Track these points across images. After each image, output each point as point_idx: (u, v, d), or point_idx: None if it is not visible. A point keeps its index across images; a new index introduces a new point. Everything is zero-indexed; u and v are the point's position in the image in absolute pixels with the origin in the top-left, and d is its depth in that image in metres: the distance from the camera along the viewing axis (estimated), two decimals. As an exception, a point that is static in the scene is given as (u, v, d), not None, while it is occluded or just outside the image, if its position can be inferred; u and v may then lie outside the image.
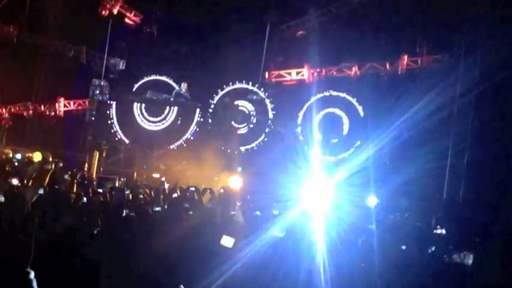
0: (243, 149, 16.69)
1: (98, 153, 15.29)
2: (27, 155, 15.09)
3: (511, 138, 14.09)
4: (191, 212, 8.76)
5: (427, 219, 13.39)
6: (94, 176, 13.62)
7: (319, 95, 16.49)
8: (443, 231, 11.42)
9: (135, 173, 15.53)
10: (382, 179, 14.91)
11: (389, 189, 14.59)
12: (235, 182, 11.56)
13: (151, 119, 17.74)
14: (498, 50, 14.19)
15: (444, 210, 13.81)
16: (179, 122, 17.42)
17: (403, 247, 9.25)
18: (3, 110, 17.97)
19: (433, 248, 9.16)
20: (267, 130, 16.70)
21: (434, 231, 11.73)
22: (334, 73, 16.81)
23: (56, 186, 9.87)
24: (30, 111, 18.03)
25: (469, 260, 8.16)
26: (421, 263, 8.32)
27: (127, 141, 17.59)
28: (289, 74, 17.15)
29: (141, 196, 10.89)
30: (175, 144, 17.32)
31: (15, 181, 10.55)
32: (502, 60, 13.86)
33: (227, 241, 7.56)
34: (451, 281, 6.33)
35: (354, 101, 16.31)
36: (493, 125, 14.50)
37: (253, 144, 16.77)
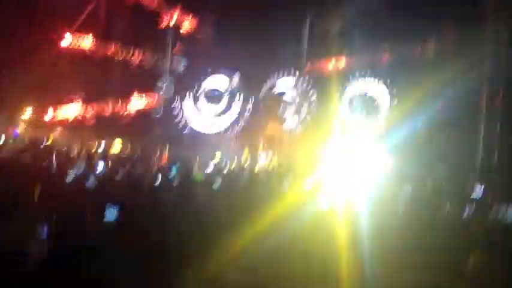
0: (289, 133, 17.09)
1: (167, 144, 16.39)
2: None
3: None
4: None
5: (465, 184, 13.71)
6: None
7: (357, 81, 16.63)
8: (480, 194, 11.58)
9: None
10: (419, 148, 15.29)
11: (427, 156, 14.92)
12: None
13: (210, 110, 18.26)
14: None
15: (480, 176, 13.99)
16: (233, 111, 17.82)
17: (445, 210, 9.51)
18: (87, 109, 18.96)
19: (472, 210, 9.34)
20: (309, 116, 16.97)
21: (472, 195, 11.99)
22: (370, 59, 16.65)
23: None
24: (109, 110, 18.81)
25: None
26: (461, 225, 8.44)
27: (192, 130, 18.12)
28: (330, 62, 17.24)
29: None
30: (230, 132, 17.77)
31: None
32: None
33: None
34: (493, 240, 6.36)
35: (387, 84, 16.29)
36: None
37: (298, 129, 17.09)
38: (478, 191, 11.27)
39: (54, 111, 18.99)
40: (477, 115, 15.03)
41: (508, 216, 7.98)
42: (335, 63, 17.25)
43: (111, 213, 6.43)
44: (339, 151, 14.55)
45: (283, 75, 17.73)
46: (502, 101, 14.73)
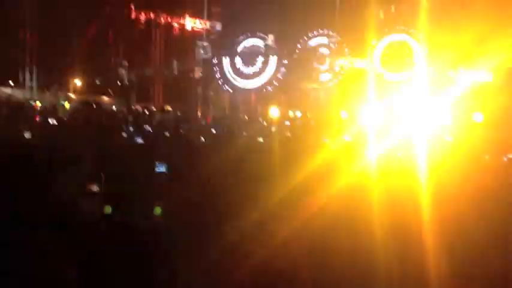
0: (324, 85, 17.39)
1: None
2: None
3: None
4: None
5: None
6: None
7: (389, 33, 16.55)
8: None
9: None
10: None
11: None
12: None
13: (247, 67, 18.38)
14: None
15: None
16: (269, 70, 18.00)
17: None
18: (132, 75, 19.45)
19: None
20: (344, 68, 17.02)
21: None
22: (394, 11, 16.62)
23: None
24: (153, 73, 19.43)
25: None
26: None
27: (231, 90, 18.50)
28: (362, 16, 16.69)
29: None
30: (268, 86, 18.06)
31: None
32: None
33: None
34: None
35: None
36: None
37: (334, 81, 17.28)
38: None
39: (103, 76, 19.86)
40: None
41: None
42: (365, 21, 16.99)
43: (161, 167, 6.98)
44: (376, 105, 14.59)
45: (316, 35, 17.67)
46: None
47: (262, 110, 16.68)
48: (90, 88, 19.03)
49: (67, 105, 16.14)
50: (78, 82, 19.10)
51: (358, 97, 15.54)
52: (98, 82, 19.49)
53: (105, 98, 18.20)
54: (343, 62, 17.01)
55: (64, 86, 18.63)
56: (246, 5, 18.31)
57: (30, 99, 16.95)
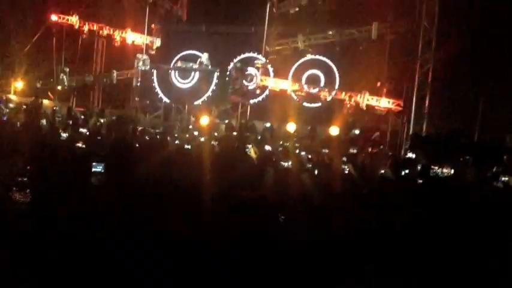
0: (252, 101, 18.45)
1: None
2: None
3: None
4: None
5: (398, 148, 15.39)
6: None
7: (306, 58, 17.97)
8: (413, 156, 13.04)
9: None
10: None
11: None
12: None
13: (182, 81, 19.28)
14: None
15: (413, 141, 15.66)
16: (202, 83, 18.89)
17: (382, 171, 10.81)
18: (73, 81, 19.78)
19: (407, 171, 10.55)
20: (269, 87, 18.16)
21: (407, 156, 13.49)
22: (321, 40, 17.98)
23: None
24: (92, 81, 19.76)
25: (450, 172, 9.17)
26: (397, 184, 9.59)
27: (166, 99, 19.16)
28: (286, 43, 18.35)
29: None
30: (200, 101, 18.95)
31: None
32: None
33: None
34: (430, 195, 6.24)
35: (331, 63, 17.73)
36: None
37: (260, 98, 18.45)
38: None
39: (45, 81, 19.90)
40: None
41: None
42: (291, 43, 18.40)
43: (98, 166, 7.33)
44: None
45: (247, 53, 18.77)
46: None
47: (195, 121, 17.61)
48: (32, 91, 19.03)
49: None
50: (19, 85, 19.05)
51: (279, 113, 17.04)
52: (38, 85, 19.53)
53: (46, 101, 18.30)
54: (269, 81, 18.20)
55: (5, 88, 18.53)
56: (184, 25, 19.35)
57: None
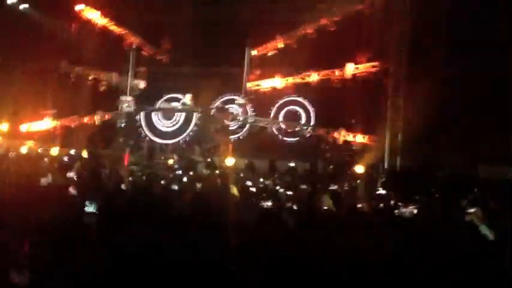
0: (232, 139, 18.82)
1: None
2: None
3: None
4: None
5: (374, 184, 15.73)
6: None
7: (285, 98, 18.79)
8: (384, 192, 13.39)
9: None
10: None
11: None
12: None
13: (165, 122, 19.72)
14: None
15: (386, 177, 16.11)
16: (184, 123, 19.43)
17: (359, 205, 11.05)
18: (57, 123, 20.04)
19: (381, 205, 10.81)
20: (248, 125, 18.87)
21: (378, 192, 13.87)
22: (298, 80, 18.70)
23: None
24: (77, 123, 20.03)
25: (414, 211, 9.45)
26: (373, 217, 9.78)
27: (154, 138, 19.44)
28: (265, 83, 19.00)
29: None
30: (180, 138, 19.37)
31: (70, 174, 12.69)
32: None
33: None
34: (400, 231, 6.27)
35: (306, 102, 18.64)
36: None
37: (240, 135, 18.96)
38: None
39: (28, 124, 19.94)
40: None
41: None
42: (270, 83, 19.08)
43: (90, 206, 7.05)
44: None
45: (228, 95, 19.40)
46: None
47: (178, 160, 17.75)
48: (16, 133, 19.04)
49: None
50: (3, 127, 19.03)
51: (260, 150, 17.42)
52: (23, 128, 19.55)
53: (31, 143, 18.25)
54: (249, 120, 18.66)
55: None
56: (168, 67, 19.83)
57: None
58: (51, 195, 7.27)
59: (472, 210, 6.38)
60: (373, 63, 17.27)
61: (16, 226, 4.78)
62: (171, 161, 17.08)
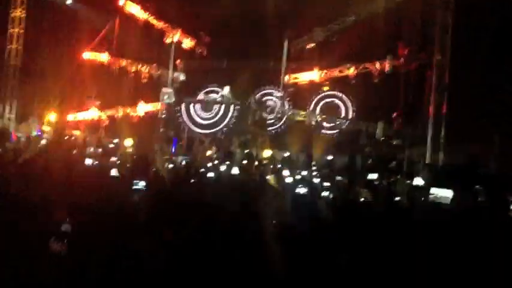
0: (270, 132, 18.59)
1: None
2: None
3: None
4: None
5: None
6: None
7: (324, 91, 18.52)
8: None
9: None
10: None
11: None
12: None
13: (203, 113, 19.74)
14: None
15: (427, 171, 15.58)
16: (222, 115, 19.43)
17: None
18: (102, 113, 20.66)
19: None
20: (285, 118, 18.64)
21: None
22: (336, 73, 18.53)
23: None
24: (121, 113, 20.50)
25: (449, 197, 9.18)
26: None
27: (194, 129, 19.45)
28: (304, 76, 18.85)
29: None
30: (217, 129, 19.33)
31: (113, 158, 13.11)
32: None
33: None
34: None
35: (344, 96, 18.25)
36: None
37: (277, 128, 18.72)
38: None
39: (74, 114, 20.71)
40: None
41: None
42: (308, 76, 18.85)
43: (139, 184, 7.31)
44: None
45: (266, 88, 19.35)
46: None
47: (216, 150, 17.94)
48: (64, 123, 19.83)
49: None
50: (52, 117, 19.85)
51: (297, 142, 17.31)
52: (71, 118, 20.32)
53: (77, 133, 18.99)
54: (287, 113, 18.52)
55: (40, 120, 19.35)
56: (206, 60, 19.99)
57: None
58: (94, 174, 7.62)
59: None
60: (416, 56, 16.65)
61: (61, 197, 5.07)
62: (209, 152, 17.26)
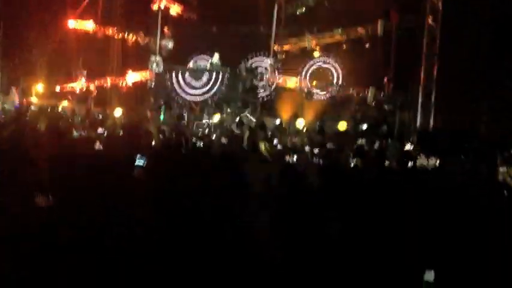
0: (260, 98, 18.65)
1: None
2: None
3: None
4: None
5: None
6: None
7: (314, 57, 18.34)
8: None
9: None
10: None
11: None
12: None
13: (193, 81, 19.47)
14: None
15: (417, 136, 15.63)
16: (212, 83, 19.20)
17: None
18: (90, 84, 20.26)
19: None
20: (274, 85, 18.55)
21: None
22: (327, 39, 18.20)
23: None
24: (109, 83, 20.19)
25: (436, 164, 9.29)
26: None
27: (185, 97, 19.36)
28: (294, 42, 18.45)
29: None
30: (207, 97, 19.15)
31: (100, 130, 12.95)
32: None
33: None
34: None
35: (334, 61, 18.18)
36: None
37: (268, 95, 18.71)
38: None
39: (62, 85, 20.32)
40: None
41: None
42: (299, 43, 18.51)
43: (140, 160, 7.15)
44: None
45: (256, 55, 19.06)
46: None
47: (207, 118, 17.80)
48: (51, 94, 19.46)
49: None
50: (39, 88, 19.46)
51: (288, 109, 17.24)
52: (57, 89, 19.96)
53: (65, 103, 18.70)
54: (277, 80, 18.32)
55: (26, 91, 18.96)
56: (195, 28, 19.54)
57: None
58: (80, 146, 7.52)
59: (504, 169, 6.15)
60: (407, 19, 16.39)
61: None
62: (202, 121, 17.14)
